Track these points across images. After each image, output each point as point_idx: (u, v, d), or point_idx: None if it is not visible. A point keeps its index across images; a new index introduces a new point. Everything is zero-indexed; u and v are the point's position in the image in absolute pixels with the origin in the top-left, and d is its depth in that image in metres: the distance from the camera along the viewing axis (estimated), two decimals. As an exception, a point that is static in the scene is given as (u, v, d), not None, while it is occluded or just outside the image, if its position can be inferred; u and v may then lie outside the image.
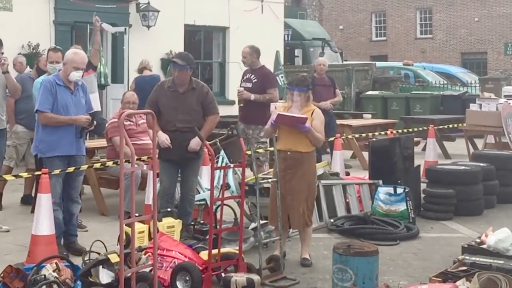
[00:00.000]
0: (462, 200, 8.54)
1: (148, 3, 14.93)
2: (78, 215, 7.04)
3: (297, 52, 24.58)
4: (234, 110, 16.11)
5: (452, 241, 7.27)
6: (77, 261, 5.68)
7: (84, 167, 6.81)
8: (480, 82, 20.91)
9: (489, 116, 12.40)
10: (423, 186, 8.96)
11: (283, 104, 6.60)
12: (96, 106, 9.03)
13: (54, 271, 5.19)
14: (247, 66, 9.13)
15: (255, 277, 5.52)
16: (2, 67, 7.56)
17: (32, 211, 7.21)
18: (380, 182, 8.49)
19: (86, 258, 5.55)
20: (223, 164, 8.04)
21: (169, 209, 6.72)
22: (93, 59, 9.40)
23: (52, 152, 6.49)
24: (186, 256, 5.79)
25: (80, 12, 13.91)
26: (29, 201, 8.60)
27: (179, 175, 7.07)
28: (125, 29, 14.45)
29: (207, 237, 5.95)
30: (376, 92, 19.30)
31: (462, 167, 9.02)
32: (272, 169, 6.95)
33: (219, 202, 6.45)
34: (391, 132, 10.83)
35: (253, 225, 6.69)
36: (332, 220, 7.86)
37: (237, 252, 5.83)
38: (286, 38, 21.75)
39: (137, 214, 5.17)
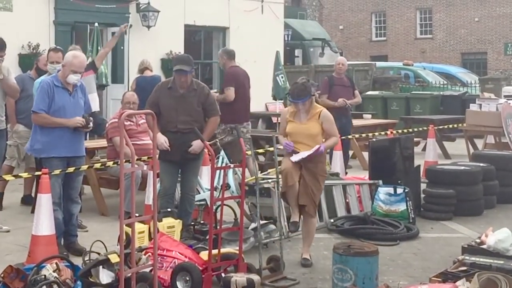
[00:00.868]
0: (462, 200, 8.54)
1: (148, 3, 14.94)
2: (78, 215, 7.04)
3: (297, 52, 24.59)
4: (234, 110, 16.15)
5: (452, 241, 7.27)
6: (77, 261, 5.68)
7: (84, 167, 6.82)
8: (480, 82, 20.91)
9: (489, 116, 12.40)
10: (423, 186, 8.96)
11: (288, 109, 6.56)
12: (95, 107, 9.06)
13: (54, 271, 5.19)
14: (221, 67, 9.67)
15: (255, 277, 5.53)
16: None
17: (32, 211, 7.21)
18: (380, 182, 8.49)
19: (86, 258, 5.55)
20: (223, 164, 8.04)
21: (169, 209, 6.72)
22: (99, 60, 9.44)
23: (48, 153, 6.48)
24: (186, 256, 5.79)
25: (80, 12, 13.92)
26: (29, 201, 8.60)
27: (180, 175, 7.08)
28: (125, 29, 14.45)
29: (207, 237, 5.95)
30: (376, 92, 19.31)
31: (462, 167, 9.02)
32: (272, 169, 6.96)
33: (219, 202, 6.45)
34: (391, 132, 10.83)
35: (253, 225, 6.70)
36: (332, 220, 7.86)
37: (237, 252, 5.84)
38: (286, 38, 21.77)
39: (137, 214, 5.17)
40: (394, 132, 11.17)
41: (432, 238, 7.56)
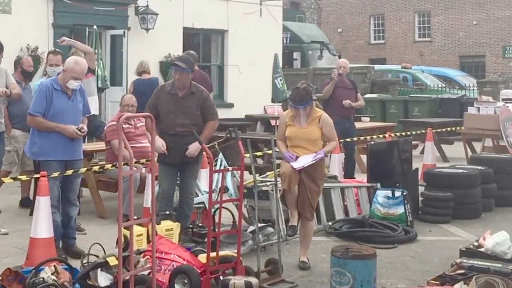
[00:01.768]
0: (460, 203, 8.55)
1: (147, 6, 14.93)
2: (77, 218, 7.04)
3: (296, 55, 24.62)
4: (232, 113, 16.19)
5: (450, 244, 7.28)
6: (76, 264, 5.69)
7: (83, 170, 6.82)
8: (478, 85, 20.95)
9: (487, 119, 12.41)
10: (421, 189, 8.96)
11: (287, 113, 6.55)
12: (95, 110, 9.06)
13: (52, 274, 5.19)
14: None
15: (254, 280, 5.53)
16: (6, 95, 7.63)
17: (31, 214, 7.21)
18: (378, 185, 8.51)
19: (85, 261, 5.56)
20: (222, 167, 8.04)
21: (167, 212, 6.73)
22: (89, 64, 9.44)
23: (45, 156, 6.49)
24: (184, 259, 5.79)
25: (79, 15, 13.92)
26: (27, 204, 8.60)
27: (178, 178, 7.08)
28: (124, 32, 14.46)
29: (206, 240, 5.96)
30: (375, 95, 19.34)
31: (460, 170, 9.04)
32: (270, 172, 6.97)
33: (217, 205, 6.46)
34: (389, 135, 10.84)
35: (251, 228, 6.71)
36: (330, 223, 7.87)
37: (236, 255, 5.84)
38: (284, 41, 21.77)
39: (135, 217, 5.18)
40: (392, 135, 11.18)
41: (430, 241, 7.57)
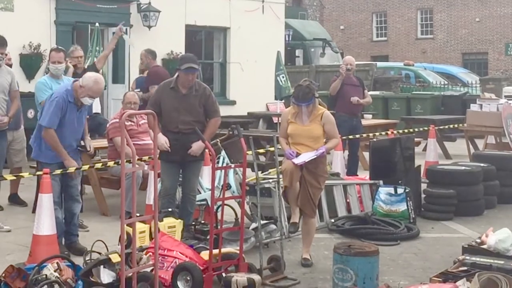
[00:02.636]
0: (463, 201, 8.55)
1: (149, 3, 14.93)
2: (79, 215, 7.05)
3: (298, 52, 24.61)
4: (235, 111, 16.19)
5: (453, 241, 7.28)
6: (78, 261, 5.69)
7: (85, 167, 6.82)
8: (481, 82, 20.94)
9: (489, 117, 12.40)
10: (423, 186, 8.97)
11: (289, 110, 6.54)
12: (96, 108, 9.07)
13: (55, 271, 5.20)
14: (144, 67, 10.36)
15: (256, 277, 5.53)
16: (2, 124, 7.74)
17: (33, 211, 7.22)
18: (381, 182, 8.50)
19: (87, 258, 5.56)
20: (224, 164, 8.05)
21: (170, 209, 6.73)
22: (99, 62, 9.46)
23: (45, 160, 6.54)
24: (187, 256, 5.79)
25: (81, 12, 13.92)
26: (15, 200, 8.72)
27: (181, 175, 7.08)
28: (126, 29, 14.44)
29: (208, 237, 5.96)
30: (377, 92, 19.31)
31: (463, 168, 9.03)
32: (273, 169, 6.97)
33: (220, 202, 6.47)
34: (392, 133, 10.83)
35: (253, 225, 6.70)
36: (332, 220, 7.87)
37: (238, 252, 5.84)
38: (287, 39, 21.76)
39: (138, 214, 5.18)
40: (395, 132, 11.17)
41: (433, 238, 7.56)
